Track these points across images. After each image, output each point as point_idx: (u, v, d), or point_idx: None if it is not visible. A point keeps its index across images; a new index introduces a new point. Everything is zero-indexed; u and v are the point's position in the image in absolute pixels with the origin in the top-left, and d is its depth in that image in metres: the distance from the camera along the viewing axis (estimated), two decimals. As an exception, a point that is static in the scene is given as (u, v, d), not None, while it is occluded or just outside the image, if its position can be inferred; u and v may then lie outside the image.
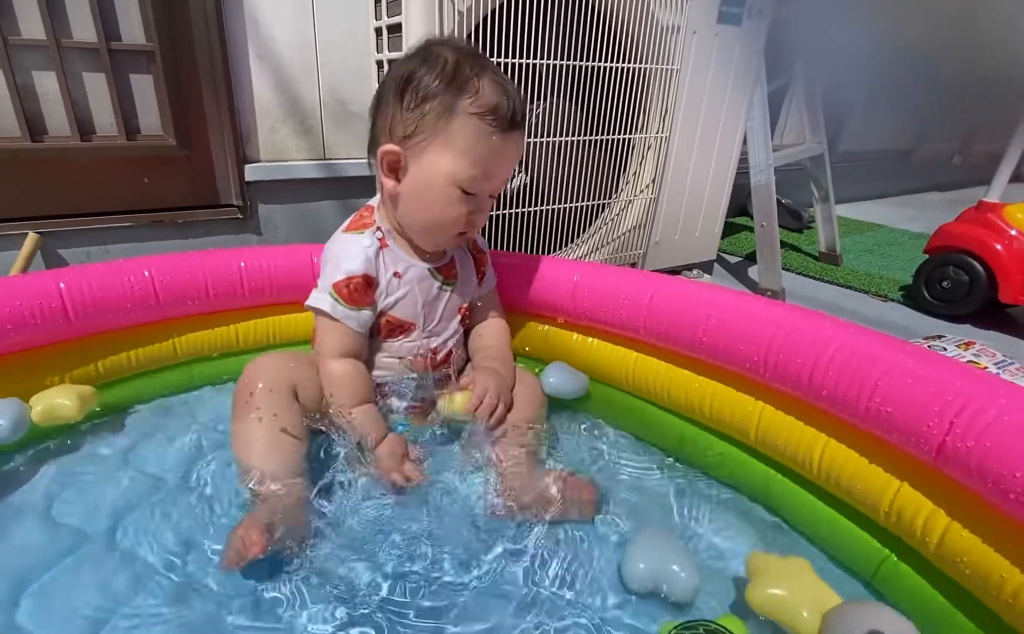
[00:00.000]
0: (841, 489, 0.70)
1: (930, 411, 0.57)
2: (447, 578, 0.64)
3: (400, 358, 0.87)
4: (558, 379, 0.95)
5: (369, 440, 0.78)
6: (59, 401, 0.79)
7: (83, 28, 1.30)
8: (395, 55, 1.17)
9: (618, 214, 1.52)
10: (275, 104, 1.52)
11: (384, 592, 0.62)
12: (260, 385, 0.76)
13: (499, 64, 1.16)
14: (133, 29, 1.35)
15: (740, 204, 2.81)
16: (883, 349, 0.64)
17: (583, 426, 0.97)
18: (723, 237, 2.07)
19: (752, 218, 1.90)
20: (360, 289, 0.80)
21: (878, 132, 3.90)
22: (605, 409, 1.00)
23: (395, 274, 0.83)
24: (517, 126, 0.77)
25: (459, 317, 0.92)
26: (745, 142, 1.83)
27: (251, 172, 1.53)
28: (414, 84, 0.74)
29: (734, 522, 0.77)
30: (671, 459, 0.89)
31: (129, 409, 0.93)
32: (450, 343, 0.90)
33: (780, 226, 1.90)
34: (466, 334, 0.96)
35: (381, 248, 0.82)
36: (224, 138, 1.49)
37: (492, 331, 0.95)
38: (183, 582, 0.62)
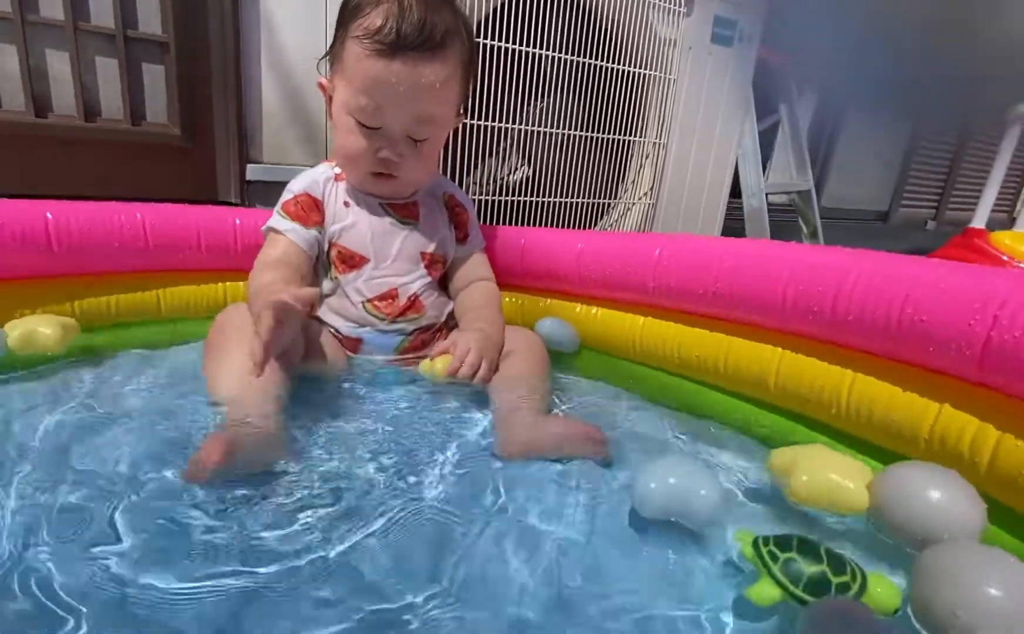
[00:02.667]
0: (873, 426, 0.65)
1: (971, 308, 0.54)
2: (442, 516, 0.56)
3: (364, 302, 0.83)
4: (552, 326, 0.95)
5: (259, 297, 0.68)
6: (39, 329, 0.73)
7: (101, 13, 1.33)
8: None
9: (617, 219, 1.53)
10: (282, 107, 1.55)
11: (371, 526, 0.54)
12: (236, 323, 0.73)
13: (505, 49, 1.21)
14: (150, 19, 1.39)
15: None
16: (909, 265, 0.62)
17: (581, 384, 0.92)
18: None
19: (747, 241, 1.93)
20: (306, 207, 0.82)
21: (857, 191, 4.08)
22: (603, 372, 0.95)
23: (344, 203, 0.84)
24: (402, 52, 0.70)
25: (423, 262, 0.87)
26: (737, 169, 1.89)
27: (252, 171, 1.53)
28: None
29: (748, 453, 0.72)
30: (678, 412, 0.84)
31: (106, 355, 0.85)
32: (414, 287, 0.86)
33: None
34: (445, 290, 0.93)
35: (336, 180, 0.86)
36: (228, 135, 1.50)
37: (478, 293, 0.91)
38: (150, 507, 0.54)
